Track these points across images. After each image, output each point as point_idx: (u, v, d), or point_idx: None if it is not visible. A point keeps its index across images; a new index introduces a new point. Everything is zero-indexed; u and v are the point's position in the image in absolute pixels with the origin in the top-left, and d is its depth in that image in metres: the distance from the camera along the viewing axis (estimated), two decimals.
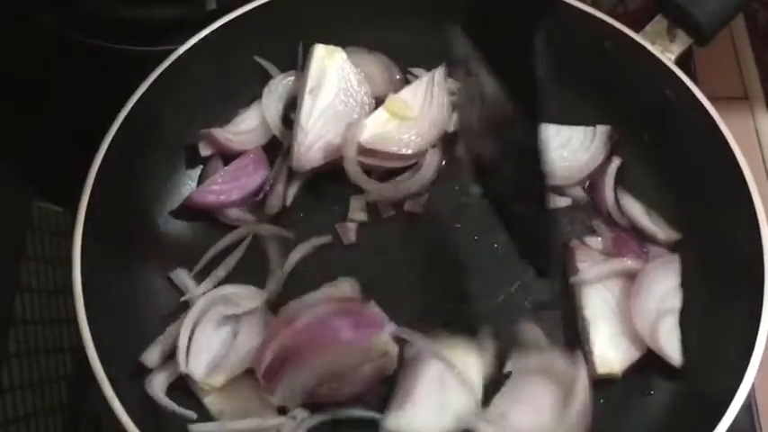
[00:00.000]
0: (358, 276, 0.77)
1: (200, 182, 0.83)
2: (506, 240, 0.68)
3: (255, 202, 0.82)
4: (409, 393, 0.70)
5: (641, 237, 0.79)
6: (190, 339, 0.73)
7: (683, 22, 0.79)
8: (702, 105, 0.76)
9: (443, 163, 0.84)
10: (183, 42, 0.79)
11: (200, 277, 0.78)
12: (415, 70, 0.88)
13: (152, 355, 0.73)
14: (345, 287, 0.76)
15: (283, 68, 0.86)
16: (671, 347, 0.72)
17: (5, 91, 0.87)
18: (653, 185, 0.81)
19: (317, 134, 0.81)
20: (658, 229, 0.79)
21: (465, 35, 0.63)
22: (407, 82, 0.87)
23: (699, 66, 0.96)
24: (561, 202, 0.82)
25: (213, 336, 0.74)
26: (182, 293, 0.77)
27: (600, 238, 0.79)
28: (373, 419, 0.70)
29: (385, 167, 0.83)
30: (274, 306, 0.76)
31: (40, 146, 0.89)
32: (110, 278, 0.73)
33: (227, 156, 0.83)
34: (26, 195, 0.81)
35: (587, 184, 0.83)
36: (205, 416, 0.71)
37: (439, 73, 0.84)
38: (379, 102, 0.83)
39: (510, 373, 0.72)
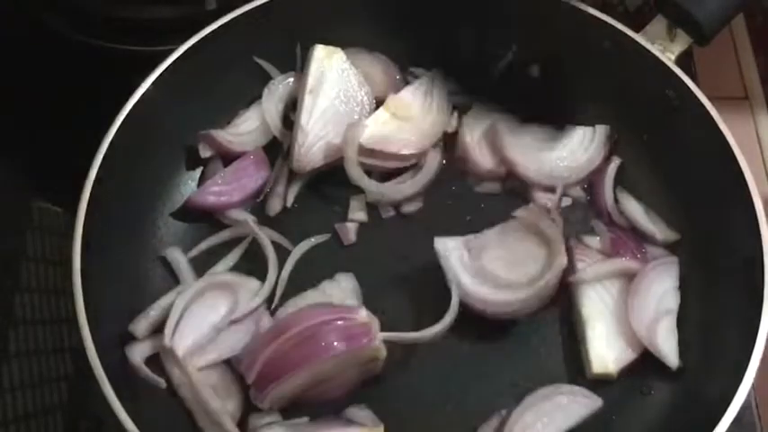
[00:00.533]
0: (357, 276, 0.77)
1: (200, 183, 0.83)
2: None
3: (256, 202, 0.82)
4: None
5: (640, 237, 0.79)
6: (181, 316, 0.73)
7: (683, 22, 0.79)
8: (702, 105, 0.76)
9: (443, 163, 0.84)
10: (183, 42, 0.78)
11: (198, 275, 0.78)
12: (415, 70, 0.88)
13: (141, 326, 0.73)
14: (344, 284, 0.77)
15: (283, 69, 0.86)
16: (668, 349, 0.72)
17: (5, 91, 0.87)
18: (653, 185, 0.81)
19: (317, 135, 0.81)
20: (657, 229, 0.79)
21: None
22: (407, 82, 0.87)
23: (699, 66, 0.96)
24: (561, 202, 0.82)
25: (204, 318, 0.74)
26: None
27: (599, 238, 0.79)
28: None
29: (385, 168, 0.83)
30: (272, 304, 0.77)
31: (40, 146, 0.89)
32: (109, 278, 0.73)
33: (228, 157, 0.83)
34: (26, 195, 0.81)
35: (587, 184, 0.83)
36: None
37: (439, 73, 0.84)
38: (379, 102, 0.83)
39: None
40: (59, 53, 0.88)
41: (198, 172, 0.83)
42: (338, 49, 0.83)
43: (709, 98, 0.76)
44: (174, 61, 0.78)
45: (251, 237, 0.80)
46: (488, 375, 0.75)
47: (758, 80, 1.01)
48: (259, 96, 0.85)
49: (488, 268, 0.75)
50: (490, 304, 0.74)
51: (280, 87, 0.85)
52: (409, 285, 0.78)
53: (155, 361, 0.73)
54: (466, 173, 0.83)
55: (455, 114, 0.86)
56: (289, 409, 0.72)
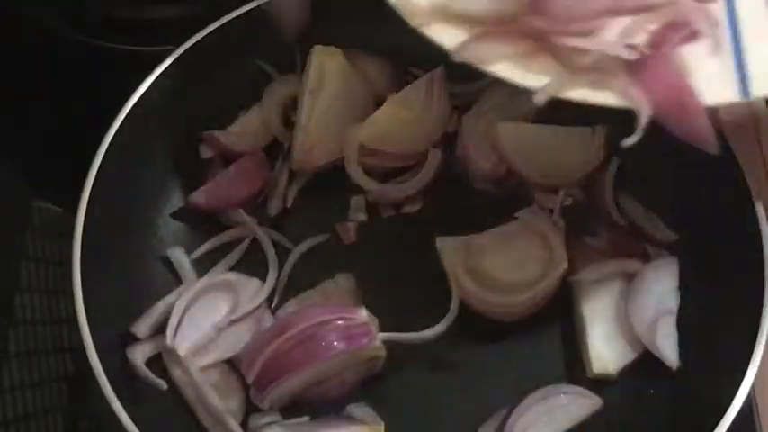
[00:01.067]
0: (357, 276, 0.77)
1: (201, 183, 0.82)
2: None
3: (257, 203, 0.82)
4: None
5: (640, 237, 0.79)
6: (182, 316, 0.73)
7: None
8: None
9: (443, 163, 0.84)
10: (183, 42, 0.78)
11: (200, 276, 0.78)
12: (415, 70, 0.88)
13: (142, 327, 0.73)
14: (343, 284, 0.77)
15: (283, 70, 0.86)
16: (668, 349, 0.72)
17: (5, 91, 0.87)
18: (653, 185, 0.81)
19: (317, 135, 0.81)
20: (657, 229, 0.79)
21: None
22: (408, 82, 0.87)
23: None
24: (563, 203, 0.82)
25: (206, 318, 0.74)
26: None
27: (599, 238, 0.79)
28: None
29: (385, 167, 0.83)
30: (272, 304, 0.77)
31: (40, 146, 0.89)
32: (109, 278, 0.73)
33: (228, 157, 0.83)
34: (26, 195, 0.81)
35: (587, 184, 0.83)
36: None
37: (439, 73, 0.84)
38: (379, 102, 0.83)
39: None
40: (59, 53, 0.88)
41: (198, 172, 0.83)
42: (338, 50, 0.83)
43: None
44: (174, 61, 0.78)
45: (250, 238, 0.80)
46: (488, 375, 0.75)
47: None
48: (259, 97, 0.85)
49: (489, 269, 0.75)
50: (490, 305, 0.74)
51: (280, 88, 0.85)
52: (409, 285, 0.78)
53: (156, 361, 0.73)
54: (466, 173, 0.83)
55: (455, 114, 0.86)
56: (289, 409, 0.72)
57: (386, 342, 0.70)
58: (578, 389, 0.72)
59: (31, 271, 0.78)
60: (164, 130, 0.80)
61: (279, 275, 0.78)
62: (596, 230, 0.80)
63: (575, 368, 0.75)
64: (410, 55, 0.87)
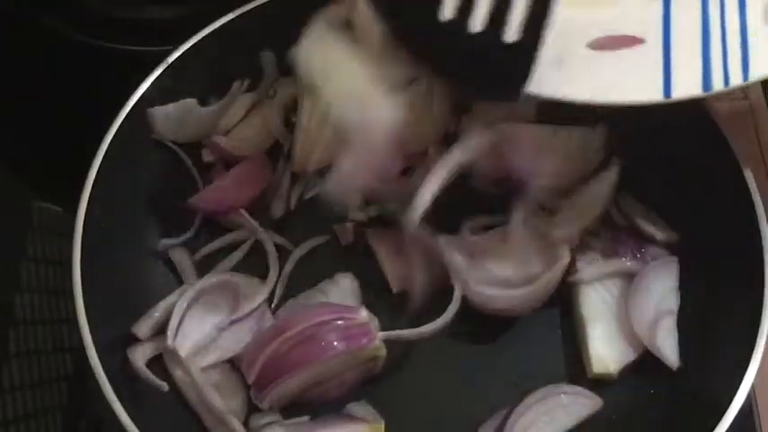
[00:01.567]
0: (357, 276, 0.77)
1: (203, 185, 0.82)
2: None
3: (259, 205, 0.82)
4: None
5: (640, 237, 0.79)
6: (183, 317, 0.73)
7: None
8: (702, 105, 0.76)
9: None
10: (183, 42, 0.78)
11: (200, 276, 0.78)
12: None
13: (143, 327, 0.73)
14: (343, 284, 0.77)
15: (284, 70, 0.86)
16: (668, 349, 0.72)
17: (5, 91, 0.87)
18: (652, 185, 0.81)
19: (318, 136, 0.81)
20: (657, 229, 0.79)
21: None
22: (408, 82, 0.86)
23: None
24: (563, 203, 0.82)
25: (206, 318, 0.74)
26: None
27: (599, 239, 0.79)
28: None
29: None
30: (272, 304, 0.77)
31: (40, 146, 0.89)
32: (110, 278, 0.73)
33: (230, 161, 0.83)
34: (26, 195, 0.81)
35: (587, 184, 0.83)
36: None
37: None
38: None
39: None
40: (59, 53, 0.88)
41: (200, 174, 0.83)
42: None
43: (709, 98, 0.76)
44: (174, 61, 0.78)
45: (252, 240, 0.80)
46: (488, 375, 0.75)
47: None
48: (260, 99, 0.85)
49: (490, 267, 0.75)
50: (491, 301, 0.74)
51: (281, 89, 0.85)
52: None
53: (156, 361, 0.73)
54: (466, 173, 0.83)
55: (455, 114, 0.85)
56: (289, 409, 0.72)
57: (386, 342, 0.70)
58: (578, 389, 0.72)
59: (31, 271, 0.78)
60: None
61: (279, 276, 0.78)
62: (596, 230, 0.80)
63: (575, 368, 0.76)
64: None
